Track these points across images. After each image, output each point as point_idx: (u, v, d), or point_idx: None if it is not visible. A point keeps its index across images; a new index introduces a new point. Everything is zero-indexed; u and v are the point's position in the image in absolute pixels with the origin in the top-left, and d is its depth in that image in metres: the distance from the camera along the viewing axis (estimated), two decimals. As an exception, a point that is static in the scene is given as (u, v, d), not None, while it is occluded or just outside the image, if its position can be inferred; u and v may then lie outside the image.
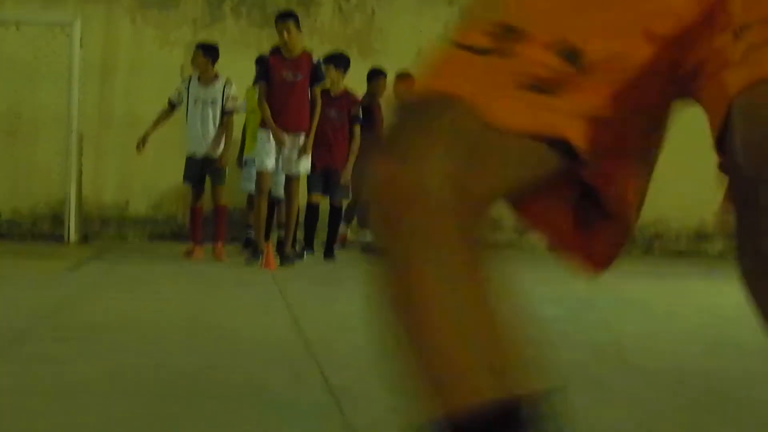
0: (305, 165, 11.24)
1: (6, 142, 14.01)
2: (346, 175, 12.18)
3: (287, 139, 11.00)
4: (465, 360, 1.59)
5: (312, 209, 12.22)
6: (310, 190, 12.22)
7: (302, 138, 11.04)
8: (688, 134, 14.86)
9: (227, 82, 11.92)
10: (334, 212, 12.47)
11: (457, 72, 1.55)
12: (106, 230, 14.39)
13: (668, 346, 7.04)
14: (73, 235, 13.53)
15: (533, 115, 1.55)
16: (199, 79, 11.91)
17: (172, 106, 12.14)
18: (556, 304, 9.06)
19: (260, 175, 11.20)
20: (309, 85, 11.10)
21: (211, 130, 11.81)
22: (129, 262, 11.47)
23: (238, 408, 4.81)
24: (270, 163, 11.13)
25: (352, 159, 12.22)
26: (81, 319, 7.45)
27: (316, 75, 11.13)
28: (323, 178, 12.15)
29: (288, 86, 10.96)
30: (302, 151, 11.03)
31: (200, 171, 12.00)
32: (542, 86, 1.55)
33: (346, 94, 12.30)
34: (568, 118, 1.59)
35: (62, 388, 5.16)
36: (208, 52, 11.92)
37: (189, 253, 11.98)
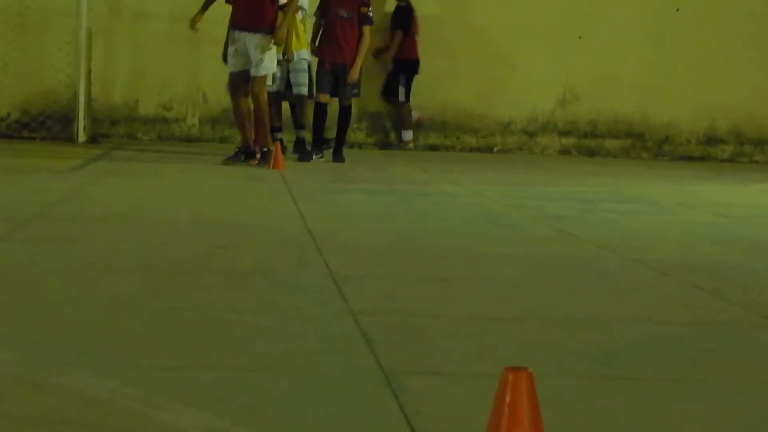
0: (267, 65, 10.94)
1: (15, 38, 13.89)
2: (353, 74, 12.05)
3: (246, 36, 10.67)
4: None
5: (320, 109, 12.12)
6: (318, 89, 12.13)
7: (262, 37, 10.69)
8: (697, 39, 14.69)
9: None
10: (344, 111, 12.37)
11: None
12: (115, 130, 14.33)
13: (674, 242, 7.04)
14: (82, 135, 13.48)
15: None
16: None
17: None
18: (564, 203, 9.05)
19: (229, 76, 10.88)
20: None
21: None
22: (138, 160, 11.46)
23: (241, 286, 4.84)
24: (232, 63, 10.90)
25: (359, 58, 12.10)
26: (88, 207, 7.47)
27: None
28: (332, 76, 12.04)
29: None
30: (262, 50, 10.70)
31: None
32: None
33: (357, -7, 12.15)
34: None
35: (70, 265, 5.19)
36: None
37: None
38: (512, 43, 14.45)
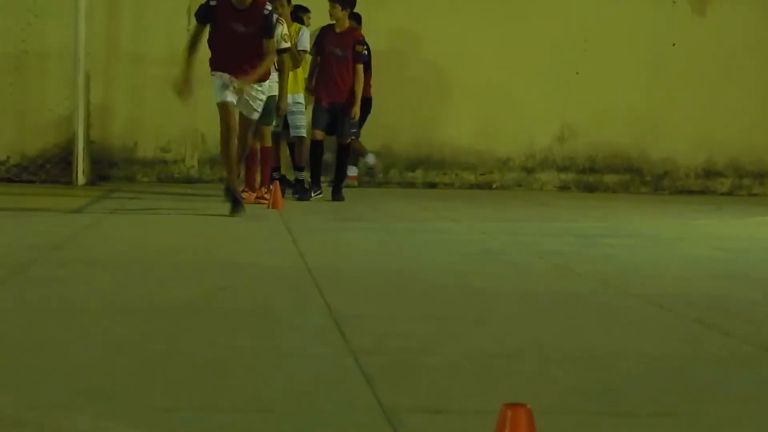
0: (257, 113, 10.74)
1: (13, 82, 13.93)
2: (356, 111, 12.03)
3: (236, 82, 10.42)
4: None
5: (316, 146, 12.13)
6: (313, 126, 12.14)
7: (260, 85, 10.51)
8: (693, 73, 14.73)
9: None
10: (342, 150, 12.38)
11: None
12: (114, 172, 14.36)
13: (674, 276, 7.03)
14: (81, 178, 13.51)
15: None
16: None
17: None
18: (563, 239, 9.06)
19: (220, 106, 10.55)
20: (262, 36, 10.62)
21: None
22: (137, 201, 11.48)
23: (240, 327, 4.83)
24: (228, 95, 10.68)
25: (358, 96, 12.11)
26: (88, 250, 7.47)
27: (267, 28, 10.70)
28: (329, 115, 12.06)
29: (237, 36, 10.52)
30: (260, 100, 10.51)
31: None
32: None
33: (351, 31, 12.20)
34: None
35: (69, 307, 5.18)
36: None
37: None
38: (509, 79, 14.50)
